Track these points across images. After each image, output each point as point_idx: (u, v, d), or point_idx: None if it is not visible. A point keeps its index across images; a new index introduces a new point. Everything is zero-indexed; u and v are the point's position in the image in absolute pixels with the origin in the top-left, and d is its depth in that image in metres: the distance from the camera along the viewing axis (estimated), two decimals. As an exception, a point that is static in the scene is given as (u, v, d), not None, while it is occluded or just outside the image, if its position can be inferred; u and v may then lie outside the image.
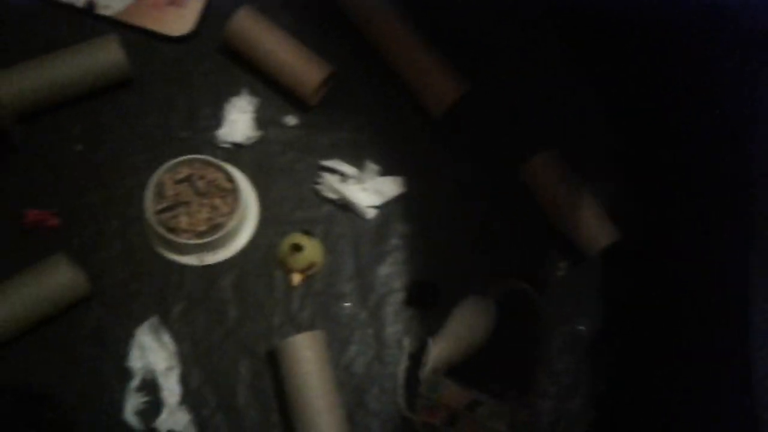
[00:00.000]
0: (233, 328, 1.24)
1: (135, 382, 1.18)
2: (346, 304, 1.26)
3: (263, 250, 1.29)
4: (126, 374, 1.19)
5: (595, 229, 1.23)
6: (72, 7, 1.38)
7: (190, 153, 1.28)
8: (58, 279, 1.17)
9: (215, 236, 1.23)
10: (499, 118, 1.37)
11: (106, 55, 1.29)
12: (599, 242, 1.23)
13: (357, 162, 1.32)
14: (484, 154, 1.35)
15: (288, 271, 1.26)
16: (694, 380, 1.14)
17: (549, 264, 1.29)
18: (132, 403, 1.17)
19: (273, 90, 1.37)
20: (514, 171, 1.32)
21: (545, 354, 1.25)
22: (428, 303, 1.26)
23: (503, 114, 1.37)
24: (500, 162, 1.34)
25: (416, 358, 1.22)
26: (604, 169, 1.33)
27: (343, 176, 1.31)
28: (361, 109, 1.37)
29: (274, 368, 1.20)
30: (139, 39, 1.38)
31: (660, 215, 1.28)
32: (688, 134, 1.24)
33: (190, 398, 1.19)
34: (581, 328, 1.26)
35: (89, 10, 1.38)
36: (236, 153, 1.33)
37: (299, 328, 1.24)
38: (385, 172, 1.32)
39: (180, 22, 1.39)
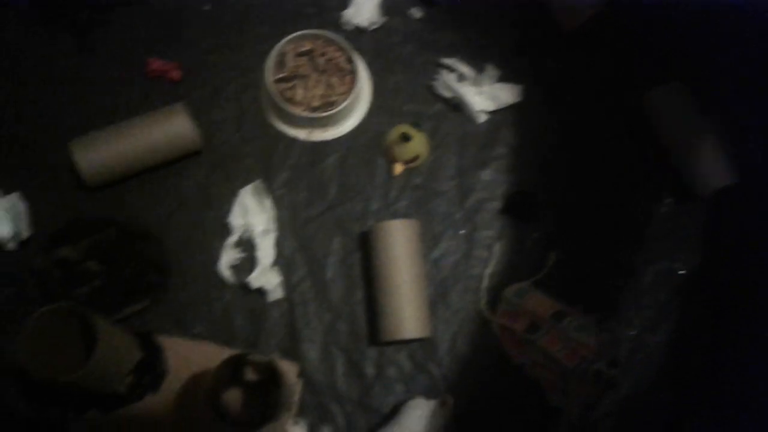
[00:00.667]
0: (331, 205, 1.27)
1: (233, 239, 1.22)
2: (444, 202, 1.27)
3: (370, 136, 1.30)
4: (225, 230, 1.23)
5: (711, 169, 1.21)
6: None
7: (314, 29, 1.29)
8: (175, 128, 1.21)
9: (327, 113, 1.25)
10: (629, 43, 1.34)
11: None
12: (713, 183, 1.20)
13: (477, 65, 1.31)
14: (608, 76, 1.32)
15: (392, 159, 1.27)
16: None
17: (654, 197, 1.27)
18: (228, 257, 1.22)
19: (404, -21, 1.36)
20: (637, 97, 1.29)
21: (635, 286, 1.24)
22: (525, 214, 1.26)
23: (634, 39, 1.34)
24: (623, 86, 1.31)
25: (504, 265, 1.23)
26: (731, 110, 1.28)
27: (461, 76, 1.31)
28: (491, 12, 1.35)
29: (365, 249, 1.23)
30: None
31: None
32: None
33: (282, 263, 1.23)
34: (676, 266, 1.24)
35: None
36: (358, 37, 1.34)
37: (394, 216, 1.25)
38: (504, 78, 1.31)
39: None
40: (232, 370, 1.07)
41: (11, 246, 1.20)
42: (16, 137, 1.24)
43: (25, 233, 1.20)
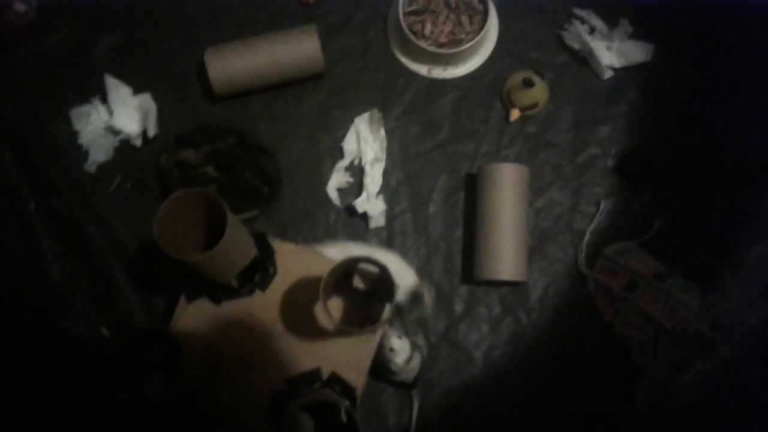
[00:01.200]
0: (442, 143, 1.28)
1: (344, 163, 1.26)
2: (556, 154, 1.26)
3: (489, 79, 1.30)
4: (337, 153, 1.27)
5: None
6: None
7: (448, -33, 1.29)
8: (304, 47, 1.24)
9: (454, 50, 1.25)
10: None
11: None
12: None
13: (610, 19, 1.29)
14: (750, 47, 1.27)
15: (510, 105, 1.27)
16: None
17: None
18: (337, 179, 1.25)
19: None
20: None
21: (739, 262, 1.20)
22: (637, 175, 1.24)
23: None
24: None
25: (608, 221, 1.22)
26: None
27: (592, 29, 1.28)
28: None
29: (469, 190, 1.24)
30: None
31: None
32: None
33: (387, 193, 1.26)
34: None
35: None
36: (491, -21, 1.32)
37: (504, 161, 1.26)
38: (636, 36, 1.27)
39: None
40: (341, 274, 1.11)
41: (137, 142, 1.27)
42: (150, 41, 1.31)
43: (152, 132, 1.27)
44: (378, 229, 1.25)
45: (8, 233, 1.21)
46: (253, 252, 1.11)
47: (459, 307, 1.22)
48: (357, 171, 1.26)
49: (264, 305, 1.13)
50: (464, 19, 1.27)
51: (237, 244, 1.04)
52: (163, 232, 0.97)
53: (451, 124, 1.29)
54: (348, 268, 1.10)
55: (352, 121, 1.28)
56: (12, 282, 1.19)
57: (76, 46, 1.31)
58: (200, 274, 1.05)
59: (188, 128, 1.24)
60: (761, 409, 1.12)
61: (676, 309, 1.09)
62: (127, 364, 0.99)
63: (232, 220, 0.98)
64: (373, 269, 1.09)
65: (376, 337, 1.11)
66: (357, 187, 1.26)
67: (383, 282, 1.07)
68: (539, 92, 1.25)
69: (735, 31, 1.28)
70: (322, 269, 1.04)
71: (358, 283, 1.12)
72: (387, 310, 1.06)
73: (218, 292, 1.13)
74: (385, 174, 1.26)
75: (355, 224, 1.25)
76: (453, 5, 1.28)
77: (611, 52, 1.27)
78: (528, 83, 1.23)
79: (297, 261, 1.14)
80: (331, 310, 1.04)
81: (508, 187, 1.18)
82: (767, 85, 1.24)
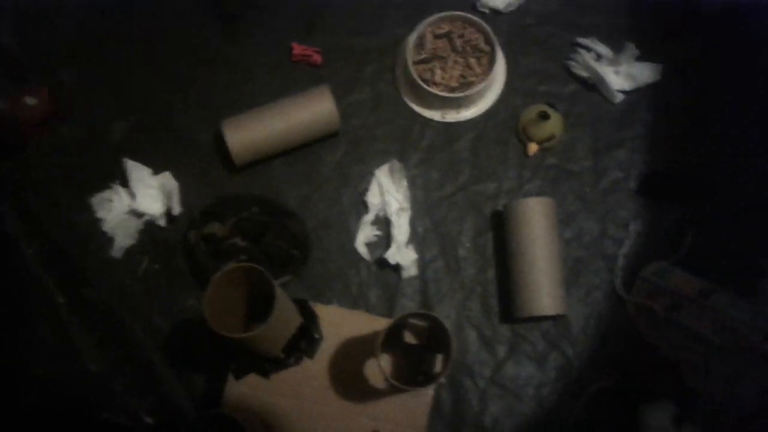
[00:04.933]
0: (464, 185, 1.28)
1: (369, 216, 1.26)
2: (578, 182, 1.26)
3: (503, 117, 1.31)
4: (362, 208, 1.27)
5: None
6: None
7: (449, 11, 1.31)
8: (320, 109, 1.25)
9: (466, 93, 1.27)
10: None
11: None
12: None
13: (614, 44, 1.30)
14: (749, 58, 1.28)
15: (527, 139, 1.28)
16: None
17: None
18: (364, 234, 1.26)
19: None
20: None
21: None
22: (661, 193, 1.24)
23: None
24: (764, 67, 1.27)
25: (639, 243, 1.21)
26: None
27: (598, 56, 1.30)
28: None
29: (497, 229, 1.24)
30: None
31: None
32: None
33: (415, 241, 1.26)
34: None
35: None
36: (493, 18, 1.35)
37: (527, 196, 1.26)
38: (642, 58, 1.29)
39: None
40: (393, 333, 1.10)
41: (162, 222, 1.28)
42: (167, 119, 1.32)
43: (176, 210, 1.28)
44: (410, 279, 1.24)
45: (41, 328, 1.21)
46: (299, 320, 1.11)
47: (502, 348, 1.21)
48: (383, 223, 1.27)
49: (313, 373, 1.13)
50: (472, 61, 1.29)
51: (284, 315, 1.04)
52: (213, 313, 0.97)
53: (470, 166, 1.30)
54: (398, 324, 1.09)
55: (373, 174, 1.28)
56: (50, 377, 1.19)
57: (91, 132, 1.32)
58: (248, 350, 1.04)
59: (212, 201, 1.25)
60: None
61: (725, 324, 1.08)
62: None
63: (279, 292, 0.98)
64: (423, 323, 1.09)
65: (431, 392, 1.10)
66: (385, 239, 1.26)
67: (435, 335, 1.07)
68: (554, 124, 1.26)
69: (740, 40, 1.29)
70: (365, 329, 1.04)
71: (409, 338, 1.12)
72: (443, 363, 1.05)
73: (266, 365, 1.12)
74: (412, 222, 1.27)
75: (387, 277, 1.25)
76: (460, 49, 1.29)
77: (620, 76, 1.28)
78: (543, 116, 1.24)
79: (340, 324, 1.15)
80: (386, 365, 1.03)
81: (537, 220, 1.18)
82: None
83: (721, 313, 1.08)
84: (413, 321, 1.10)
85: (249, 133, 1.24)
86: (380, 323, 1.14)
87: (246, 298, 1.06)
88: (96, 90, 1.34)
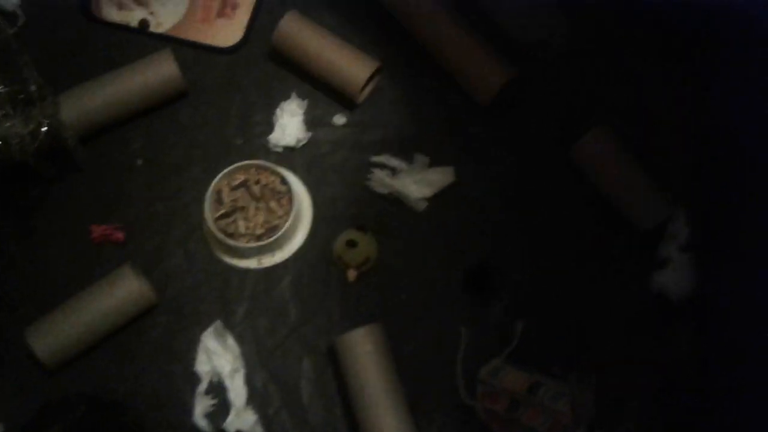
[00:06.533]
0: (294, 327, 1.26)
1: (203, 386, 1.22)
2: (403, 296, 1.26)
3: (319, 248, 1.31)
4: (194, 378, 1.23)
5: (647, 203, 1.21)
6: (126, 27, 1.43)
7: (245, 159, 1.32)
8: (126, 291, 1.22)
9: (272, 238, 1.26)
10: (548, 102, 1.35)
11: (162, 70, 1.33)
12: (651, 217, 1.20)
13: (406, 155, 1.33)
14: (534, 139, 1.33)
15: (344, 267, 1.27)
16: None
17: (602, 241, 1.26)
18: (201, 406, 1.21)
19: (322, 91, 1.39)
20: (566, 153, 1.29)
21: (611, 335, 1.22)
22: (485, 288, 1.25)
23: (552, 98, 1.35)
24: (551, 145, 1.32)
25: (474, 345, 1.21)
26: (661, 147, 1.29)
27: (394, 170, 1.32)
28: (408, 102, 1.37)
29: (336, 364, 1.22)
30: (191, 52, 1.42)
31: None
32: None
33: (255, 398, 1.22)
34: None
35: (143, 29, 1.43)
36: (288, 155, 1.36)
37: (359, 322, 1.24)
38: (435, 163, 1.32)
39: (229, 33, 1.43)
40: None
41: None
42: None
43: None
44: (258, 439, 1.20)
45: None
46: None
47: (365, 488, 1.17)
48: (219, 389, 1.22)
49: None
50: (273, 204, 1.29)
51: None
52: None
53: (296, 306, 1.28)
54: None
55: (199, 341, 1.24)
56: None
57: None
58: None
59: (34, 414, 1.17)
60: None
61: (557, 419, 1.08)
62: None
63: None
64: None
65: None
66: (225, 405, 1.21)
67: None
68: (366, 247, 1.26)
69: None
70: None
71: None
72: None
73: None
74: (248, 380, 1.23)
75: (234, 443, 1.19)
76: (258, 195, 1.29)
77: (418, 185, 1.30)
78: (352, 244, 1.24)
79: None
80: None
81: (366, 352, 1.16)
82: (571, 162, 1.29)
83: (547, 408, 1.09)
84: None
85: (56, 336, 1.19)
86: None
87: None
88: None
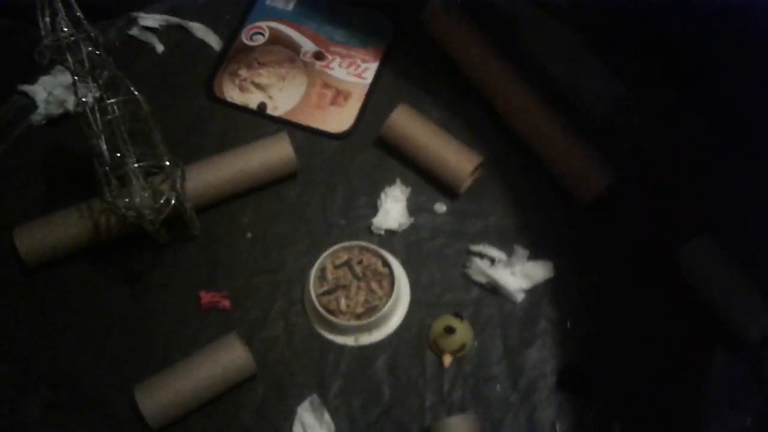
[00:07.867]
0: (388, 407, 1.28)
1: (297, 458, 1.24)
2: (497, 387, 1.28)
3: (414, 331, 1.34)
4: (288, 451, 1.26)
5: (757, 313, 1.21)
6: (245, 108, 1.53)
7: (348, 239, 1.37)
8: (231, 358, 1.26)
9: (372, 318, 1.30)
10: (650, 204, 1.38)
11: (278, 151, 1.42)
12: (762, 327, 1.20)
13: (505, 247, 1.36)
14: (633, 242, 1.36)
15: (440, 352, 1.30)
16: None
17: (705, 352, 1.26)
18: (295, 478, 1.23)
19: (424, 179, 1.45)
20: (668, 256, 1.32)
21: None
22: (580, 388, 1.26)
23: (655, 200, 1.39)
24: (652, 248, 1.34)
25: (569, 442, 1.22)
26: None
27: (492, 261, 1.35)
28: (509, 196, 1.42)
29: (427, 448, 1.24)
30: (303, 136, 1.50)
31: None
32: None
33: (350, 474, 1.24)
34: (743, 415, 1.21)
35: (261, 111, 1.53)
36: (389, 239, 1.41)
37: (450, 409, 1.26)
38: (534, 256, 1.35)
39: (341, 120, 1.51)
40: None
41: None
42: (77, 387, 1.31)
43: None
44: None
45: None
46: None
47: None
48: (313, 462, 1.24)
49: None
50: (374, 285, 1.33)
51: None
52: None
53: (390, 386, 1.30)
54: None
55: (296, 412, 1.27)
56: None
57: (6, 409, 1.29)
58: None
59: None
60: None
61: None
62: None
63: None
64: None
65: None
66: (318, 478, 1.23)
67: None
68: (463, 334, 1.29)
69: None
70: None
71: None
72: None
73: None
74: (341, 456, 1.25)
75: None
76: (361, 275, 1.34)
77: (516, 277, 1.33)
78: (449, 330, 1.27)
79: None
80: None
81: (460, 440, 1.17)
82: (675, 266, 1.30)
83: None
84: None
85: (163, 396, 1.23)
86: None
87: None
88: (9, 366, 1.32)
